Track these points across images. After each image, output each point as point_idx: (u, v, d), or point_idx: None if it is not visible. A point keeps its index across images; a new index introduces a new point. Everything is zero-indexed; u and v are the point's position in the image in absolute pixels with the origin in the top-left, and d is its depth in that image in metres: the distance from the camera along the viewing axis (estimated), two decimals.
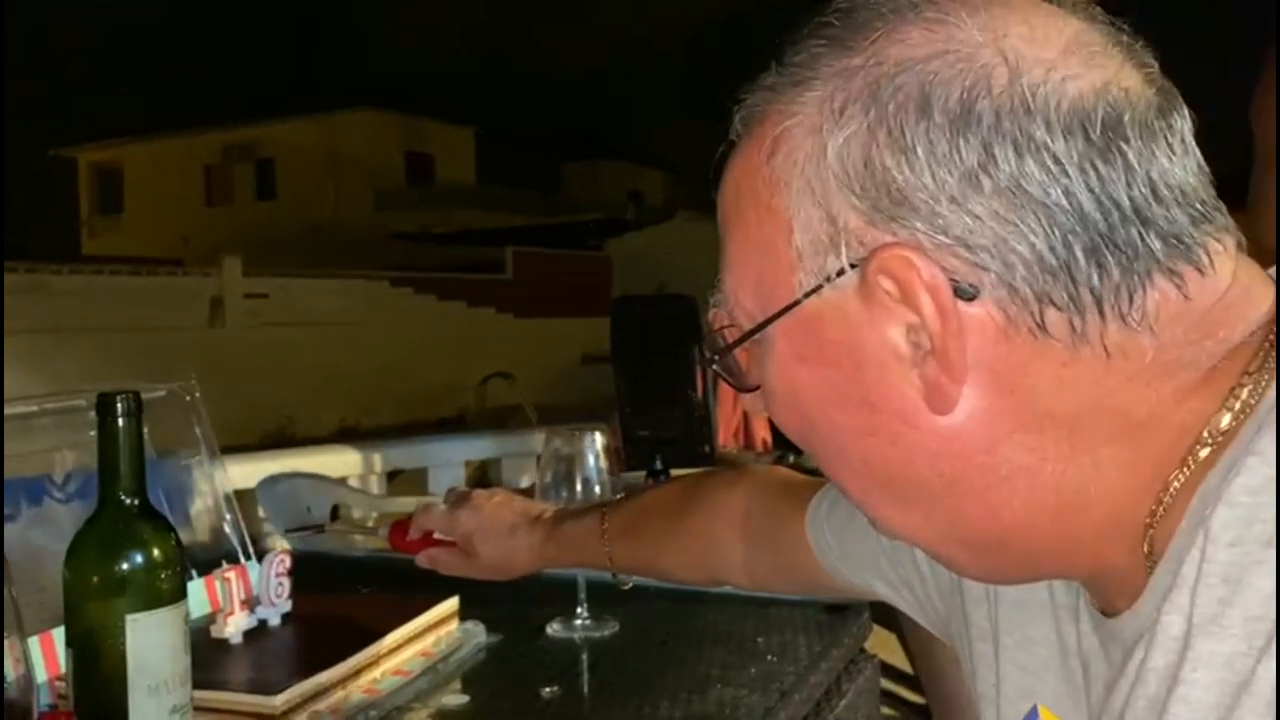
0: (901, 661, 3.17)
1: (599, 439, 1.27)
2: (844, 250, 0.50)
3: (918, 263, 0.48)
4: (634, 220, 24.84)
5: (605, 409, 1.34)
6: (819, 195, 0.50)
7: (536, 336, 17.34)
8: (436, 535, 1.15)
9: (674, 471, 2.11)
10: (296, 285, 16.26)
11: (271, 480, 2.37)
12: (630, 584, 1.10)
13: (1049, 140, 0.47)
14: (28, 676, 0.59)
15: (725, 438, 3.78)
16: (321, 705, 0.96)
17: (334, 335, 15.00)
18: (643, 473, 2.15)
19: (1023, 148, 0.47)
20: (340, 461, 2.99)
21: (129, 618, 0.75)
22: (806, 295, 0.51)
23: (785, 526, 0.90)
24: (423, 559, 1.15)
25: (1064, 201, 0.46)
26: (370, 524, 1.71)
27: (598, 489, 1.24)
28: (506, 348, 15.54)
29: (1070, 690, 0.58)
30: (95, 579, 0.75)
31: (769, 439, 3.96)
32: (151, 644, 0.75)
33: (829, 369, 0.52)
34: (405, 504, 3.27)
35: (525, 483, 3.43)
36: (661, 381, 2.90)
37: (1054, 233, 0.46)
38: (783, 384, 0.55)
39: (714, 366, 0.59)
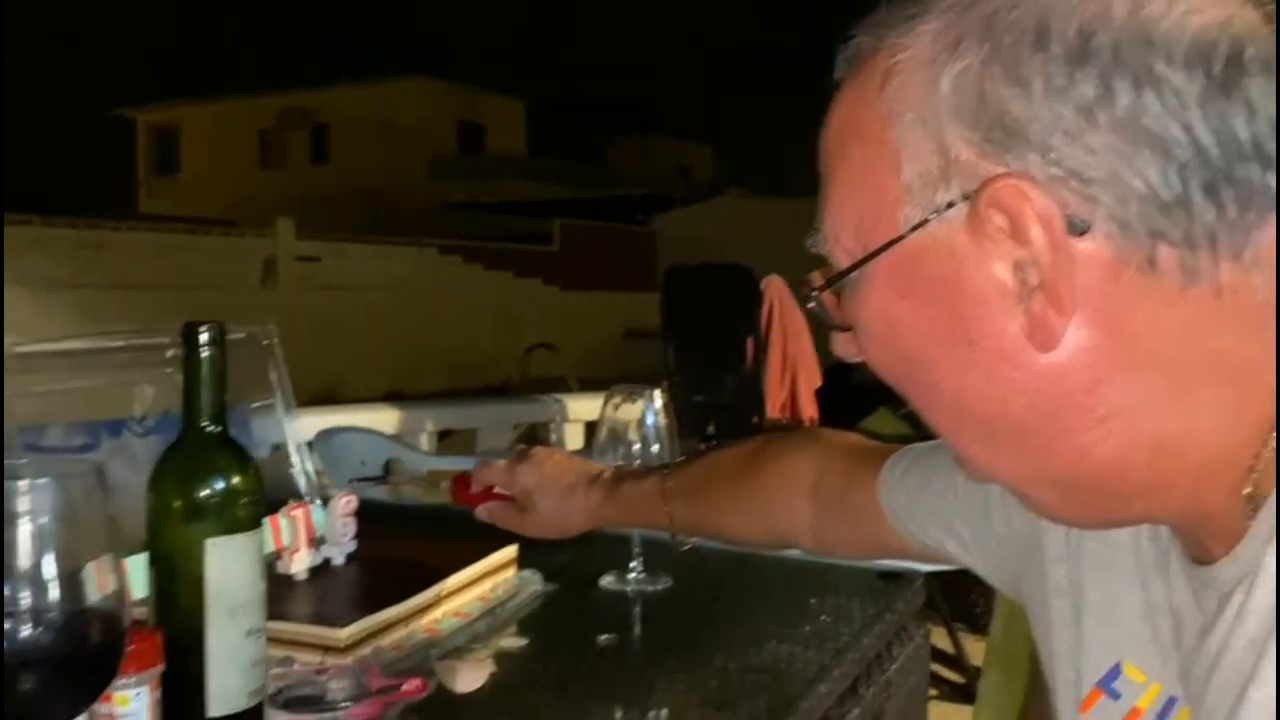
0: (943, 642, 3.17)
1: (658, 398, 1.28)
2: (954, 182, 0.49)
3: (1031, 194, 0.47)
4: (681, 196, 24.75)
5: (649, 383, 1.34)
6: (930, 128, 0.50)
7: (580, 309, 17.37)
8: (497, 490, 1.17)
9: (725, 440, 2.13)
10: (348, 249, 16.42)
11: (328, 433, 2.42)
12: (689, 545, 1.11)
13: (1169, 74, 0.46)
14: (121, 592, 0.61)
15: (773, 410, 3.78)
16: (384, 641, 0.98)
17: (383, 300, 15.13)
18: (695, 440, 2.16)
19: (1142, 81, 0.46)
20: (393, 419, 3.04)
21: (209, 542, 0.77)
22: (912, 229, 0.51)
23: (857, 489, 0.91)
24: (481, 512, 1.16)
25: (1182, 136, 0.46)
26: (419, 479, 1.74)
27: (656, 448, 1.25)
28: (551, 319, 15.61)
29: (1157, 648, 0.58)
30: (177, 503, 0.78)
31: (816, 415, 3.96)
32: (230, 568, 0.77)
33: (930, 305, 0.52)
34: (456, 463, 3.32)
35: (572, 448, 3.46)
36: (712, 350, 2.91)
37: (1170, 168, 0.46)
38: (880, 322, 0.54)
39: (809, 304, 0.59)
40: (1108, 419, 0.50)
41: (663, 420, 1.26)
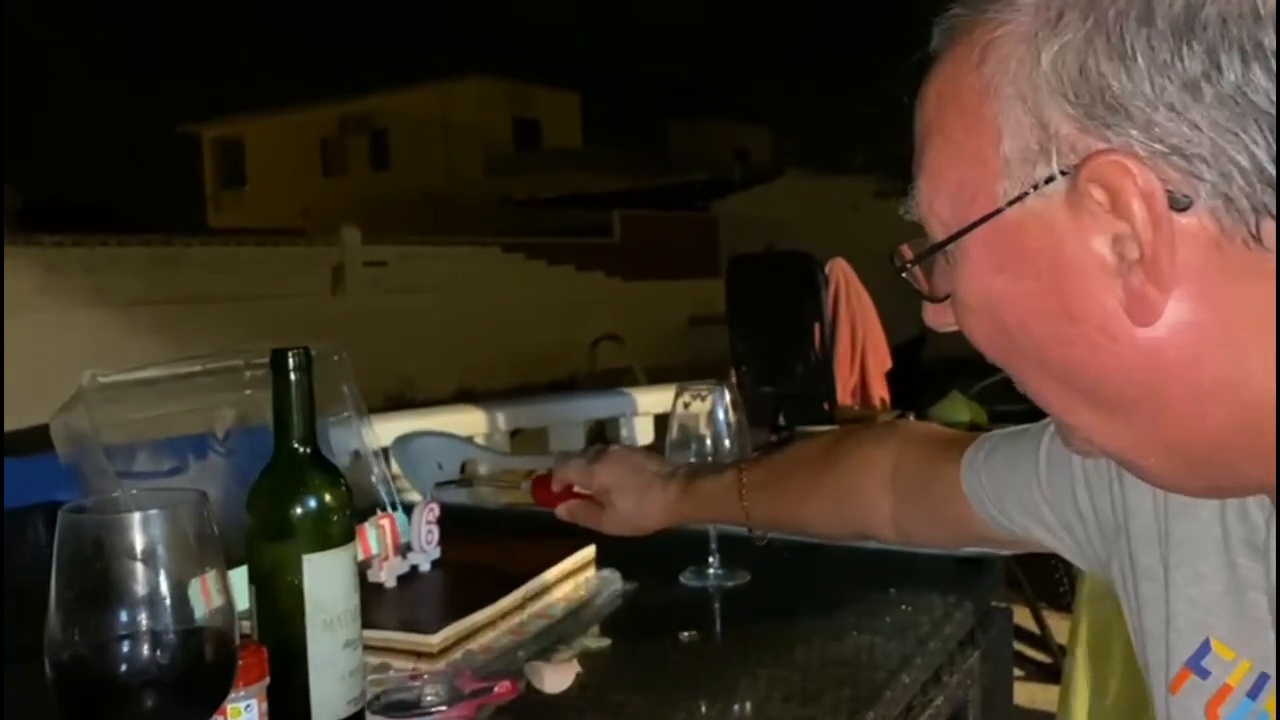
0: (1027, 622, 3.14)
1: (728, 394, 1.29)
2: (1055, 157, 0.49)
3: (1133, 169, 0.47)
4: (740, 180, 24.61)
5: (714, 370, 1.36)
6: (1031, 102, 0.50)
7: (644, 299, 17.40)
8: (576, 489, 1.19)
9: (798, 429, 2.13)
10: (413, 253, 16.63)
11: (405, 439, 2.47)
12: (766, 540, 1.12)
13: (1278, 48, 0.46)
14: (228, 607, 0.64)
15: (843, 396, 3.76)
16: (474, 645, 1.01)
17: (449, 301, 15.32)
18: (766, 430, 2.17)
19: (1250, 56, 0.46)
20: (465, 421, 3.09)
21: (305, 557, 0.80)
22: (1011, 203, 0.51)
23: (938, 478, 0.91)
24: (562, 511, 1.18)
25: None
26: (498, 479, 1.77)
27: (727, 443, 1.27)
28: (615, 310, 15.65)
29: (1246, 625, 0.58)
30: (274, 522, 0.81)
31: (887, 397, 3.94)
32: (326, 582, 0.81)
33: (1028, 279, 0.52)
34: (530, 461, 3.37)
35: (643, 442, 3.48)
36: (779, 339, 2.91)
37: (1276, 142, 0.46)
38: (977, 295, 0.55)
39: (903, 274, 0.59)
40: (1212, 391, 0.49)
41: (733, 415, 1.28)
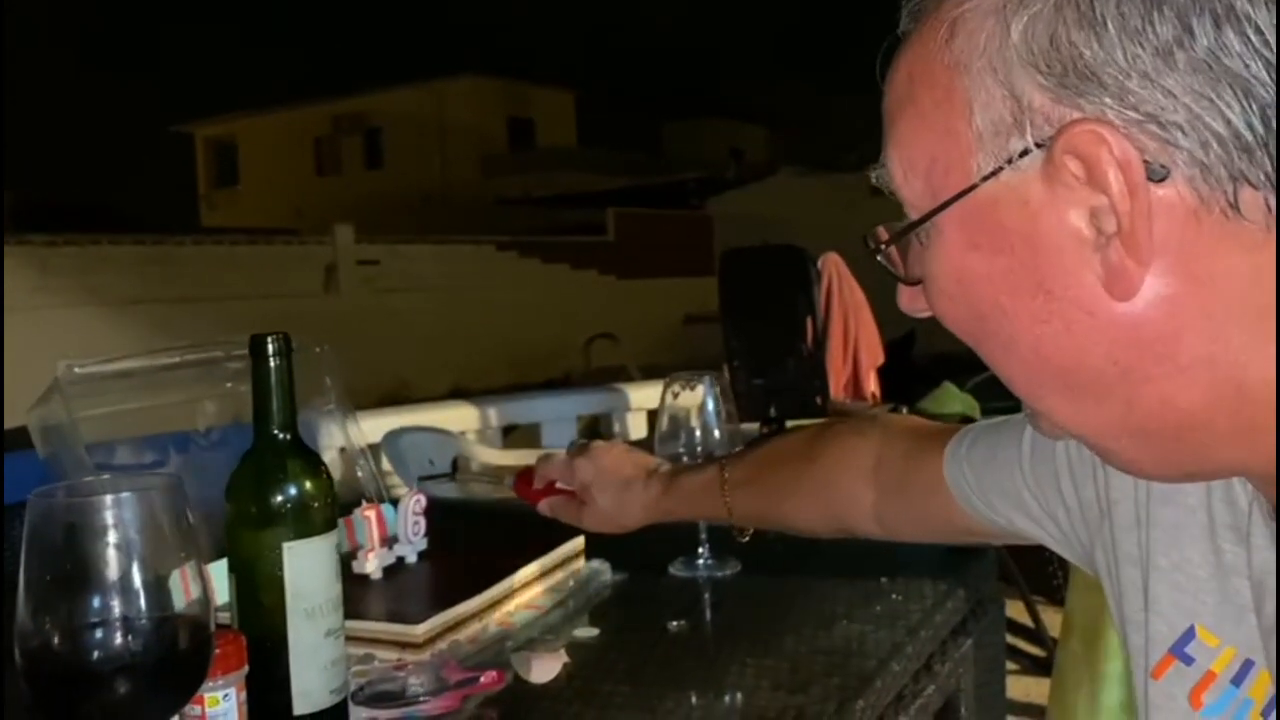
0: (1021, 615, 3.13)
1: (717, 385, 1.28)
2: (1028, 130, 0.48)
3: (1108, 138, 0.46)
4: (735, 178, 24.63)
5: (709, 368, 1.34)
6: (1001, 75, 0.49)
7: (639, 297, 17.40)
8: (559, 485, 1.17)
9: (789, 422, 2.12)
10: (407, 251, 16.62)
11: (395, 434, 2.46)
12: (748, 536, 1.11)
13: (1250, 10, 0.45)
14: (205, 599, 0.63)
15: (836, 389, 3.76)
16: (460, 635, 1.00)
17: (444, 300, 15.31)
18: (756, 424, 2.16)
19: (1222, 19, 0.45)
20: (457, 417, 3.08)
21: (286, 545, 0.79)
22: (985, 178, 0.50)
23: (920, 470, 0.90)
24: (543, 507, 1.17)
25: (1264, 75, 0.45)
26: (483, 474, 1.76)
27: (716, 434, 1.26)
28: (610, 309, 15.65)
29: (1232, 611, 0.57)
30: (254, 510, 0.80)
31: (879, 392, 3.93)
32: (307, 570, 0.80)
33: (1002, 256, 0.51)
34: (522, 456, 3.35)
35: (635, 437, 3.47)
36: (772, 333, 2.91)
37: (1252, 107, 0.45)
38: (950, 275, 0.53)
39: (878, 258, 0.58)
40: (1190, 367, 0.48)
41: (722, 405, 1.27)
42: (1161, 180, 0.46)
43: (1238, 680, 0.57)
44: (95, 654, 0.59)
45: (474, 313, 15.23)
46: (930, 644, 1.04)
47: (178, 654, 0.62)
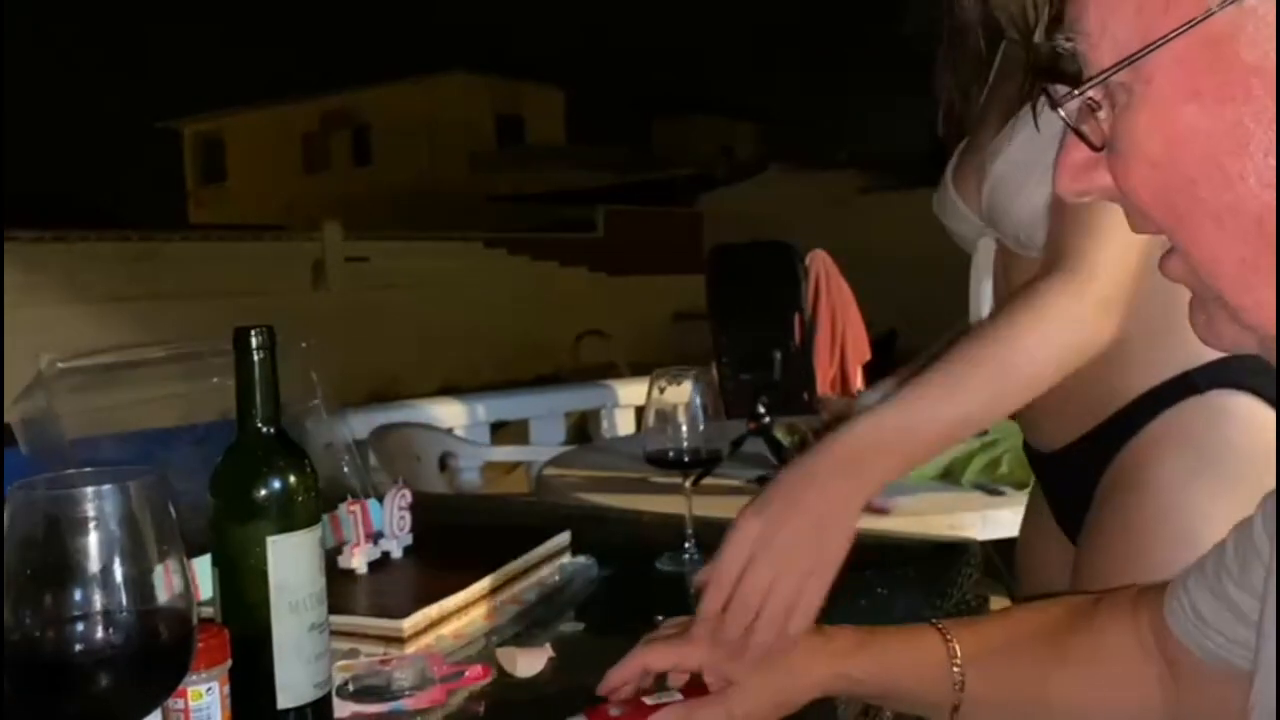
0: None
1: (703, 380, 1.28)
2: None
3: None
4: (725, 175, 24.62)
5: (698, 365, 1.34)
6: None
7: (629, 294, 17.39)
8: (650, 701, 0.81)
9: (777, 419, 2.12)
10: (396, 248, 16.58)
11: (382, 430, 2.46)
12: None
13: None
14: (187, 593, 0.63)
15: (822, 386, 3.77)
16: (445, 630, 1.00)
17: (433, 296, 15.27)
18: (742, 420, 2.16)
19: None
20: (446, 413, 3.07)
21: (270, 539, 0.79)
22: (1224, 5, 0.42)
23: (1161, 627, 0.72)
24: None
25: None
26: None
27: (702, 429, 1.26)
28: (600, 306, 15.65)
29: None
30: (237, 504, 0.80)
31: (864, 388, 3.94)
32: (291, 564, 0.79)
33: (1231, 104, 0.42)
34: (512, 453, 3.35)
35: (624, 433, 3.47)
36: (759, 328, 2.91)
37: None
38: (1158, 135, 0.44)
39: (1058, 111, 0.47)
40: None
41: (709, 401, 1.27)
42: None
43: None
44: (76, 647, 0.59)
45: (463, 310, 15.20)
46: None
47: (159, 647, 0.61)
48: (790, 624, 0.80)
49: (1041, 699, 0.77)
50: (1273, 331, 0.46)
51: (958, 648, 0.78)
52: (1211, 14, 0.42)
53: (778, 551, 0.80)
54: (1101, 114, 0.46)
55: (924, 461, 0.93)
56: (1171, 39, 0.43)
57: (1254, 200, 0.43)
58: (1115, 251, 0.93)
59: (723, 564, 0.80)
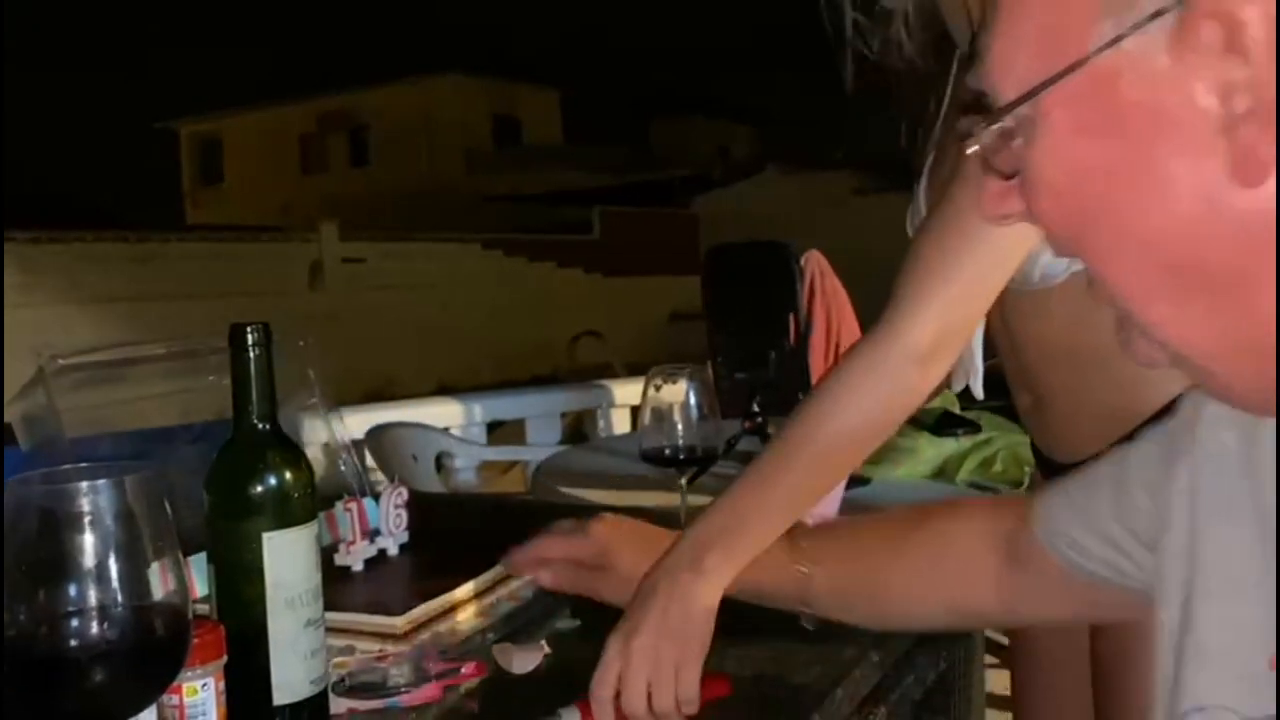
0: None
1: (698, 379, 1.28)
2: None
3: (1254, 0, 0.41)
4: (721, 176, 24.64)
5: (692, 364, 1.35)
6: None
7: (625, 295, 17.42)
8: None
9: (772, 418, 2.12)
10: (393, 249, 16.59)
11: (379, 430, 2.46)
12: (815, 625, 0.96)
13: None
14: (182, 588, 0.63)
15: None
16: (441, 627, 1.00)
17: (430, 297, 15.29)
18: (738, 420, 2.16)
19: None
20: (443, 413, 3.07)
21: (265, 536, 0.79)
22: (1105, 46, 0.44)
23: (1021, 531, 0.79)
24: (545, 577, 0.99)
25: None
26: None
27: (698, 428, 1.26)
28: (596, 307, 15.67)
29: None
30: (233, 500, 0.80)
31: None
32: (287, 561, 0.80)
33: (1117, 140, 0.45)
34: (507, 453, 3.35)
35: (620, 433, 3.48)
36: (755, 329, 2.91)
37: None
38: (1056, 165, 0.48)
39: (969, 144, 0.51)
40: None
41: (704, 400, 1.27)
42: None
43: None
44: (71, 643, 0.59)
45: (460, 311, 15.21)
46: (910, 635, 1.05)
47: (154, 643, 0.62)
48: (683, 710, 0.86)
49: (877, 588, 0.87)
50: (1181, 348, 0.49)
51: (805, 545, 0.89)
52: (1091, 57, 0.45)
53: (642, 657, 0.86)
54: (1016, 142, 0.49)
55: (768, 541, 0.92)
56: (1061, 78, 0.46)
57: (1141, 227, 0.46)
58: (944, 299, 0.91)
59: (596, 686, 0.86)
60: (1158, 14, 0.43)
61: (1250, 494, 0.58)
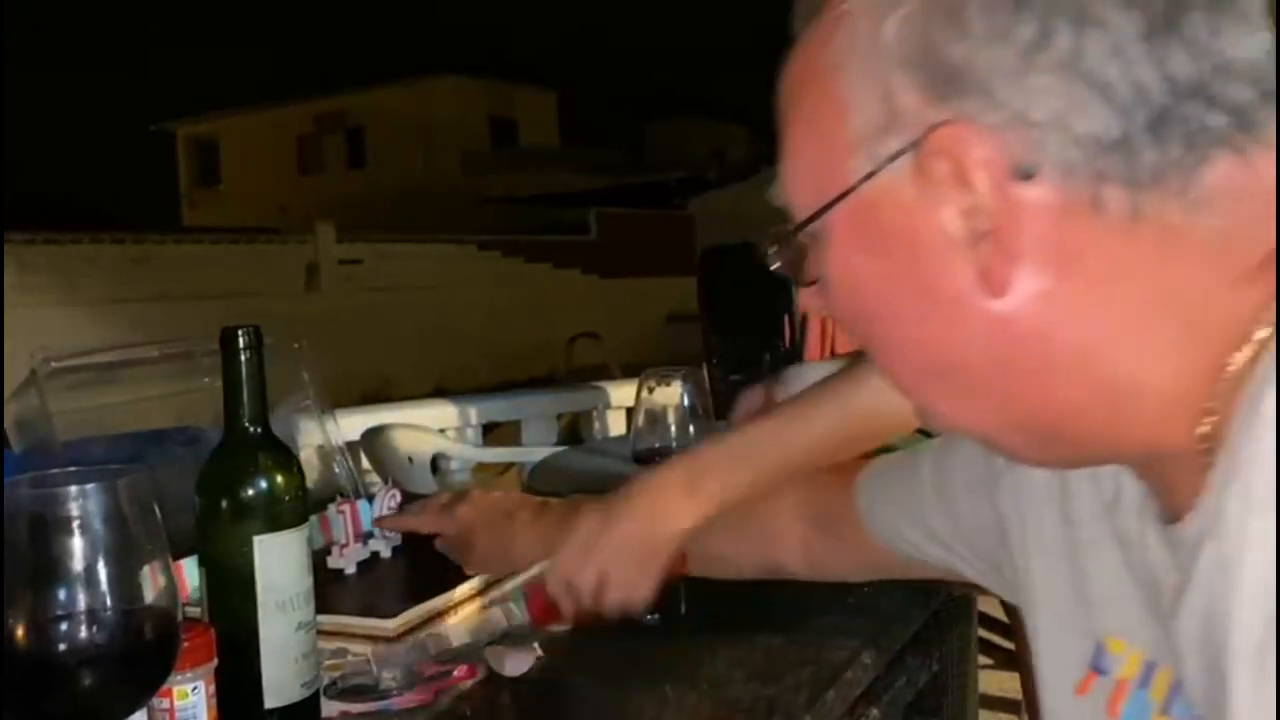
0: (996, 610, 3.15)
1: (692, 380, 1.28)
2: (900, 132, 0.49)
3: (974, 139, 0.47)
4: (717, 178, 24.65)
5: (689, 366, 1.35)
6: (875, 77, 0.49)
7: (622, 296, 17.42)
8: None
9: None
10: (389, 250, 16.58)
11: (374, 431, 2.46)
12: (655, 616, 1.01)
13: (1109, 13, 0.45)
14: (172, 592, 0.63)
15: None
16: (433, 630, 1.00)
17: (427, 299, 15.28)
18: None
19: (1081, 21, 0.46)
20: (438, 415, 3.06)
21: (256, 539, 0.79)
22: (862, 181, 0.51)
23: (841, 502, 0.90)
24: (439, 543, 1.08)
25: (1122, 77, 0.45)
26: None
27: (692, 430, 1.26)
28: (593, 308, 15.66)
29: (1137, 615, 0.57)
30: (224, 503, 0.80)
31: None
32: (278, 563, 0.80)
33: (884, 257, 0.52)
34: (502, 454, 3.34)
35: (615, 434, 3.47)
36: (750, 330, 2.91)
37: (1112, 109, 0.45)
38: (840, 275, 0.54)
39: (771, 260, 0.57)
40: (1063, 364, 0.49)
41: (699, 401, 1.27)
42: (1029, 178, 0.47)
43: (1143, 683, 0.57)
44: (60, 646, 0.59)
45: (456, 312, 15.21)
46: (902, 636, 1.05)
47: (144, 646, 0.62)
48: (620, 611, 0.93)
49: (703, 551, 0.98)
50: (957, 428, 0.56)
51: None
52: (854, 189, 0.51)
53: (608, 553, 0.91)
54: (811, 256, 0.55)
55: (762, 484, 0.94)
56: (831, 207, 0.52)
57: (911, 333, 0.53)
58: None
59: (562, 558, 0.94)
60: (898, 154, 0.49)
61: (1061, 524, 0.64)
